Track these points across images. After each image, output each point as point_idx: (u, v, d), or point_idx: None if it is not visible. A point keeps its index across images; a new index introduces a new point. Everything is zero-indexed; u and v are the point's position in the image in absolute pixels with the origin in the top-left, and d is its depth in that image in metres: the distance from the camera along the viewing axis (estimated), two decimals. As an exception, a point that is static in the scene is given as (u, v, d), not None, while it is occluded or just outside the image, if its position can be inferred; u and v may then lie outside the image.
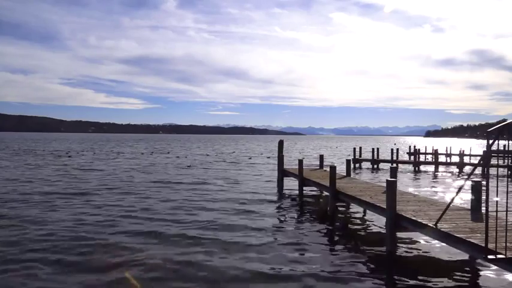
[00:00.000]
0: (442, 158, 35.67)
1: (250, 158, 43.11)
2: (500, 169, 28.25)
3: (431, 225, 7.18)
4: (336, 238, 10.03)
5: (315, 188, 16.21)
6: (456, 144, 67.22)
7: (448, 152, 36.74)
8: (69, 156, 42.16)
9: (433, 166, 31.58)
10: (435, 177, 25.72)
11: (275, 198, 16.32)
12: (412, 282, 6.96)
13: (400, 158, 35.71)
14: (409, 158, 40.45)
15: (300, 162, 16.74)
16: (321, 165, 20.40)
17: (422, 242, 9.23)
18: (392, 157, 32.64)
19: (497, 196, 5.12)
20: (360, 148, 35.91)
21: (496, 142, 5.60)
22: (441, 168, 31.58)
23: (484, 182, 7.56)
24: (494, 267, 6.09)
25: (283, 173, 19.69)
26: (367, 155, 36.75)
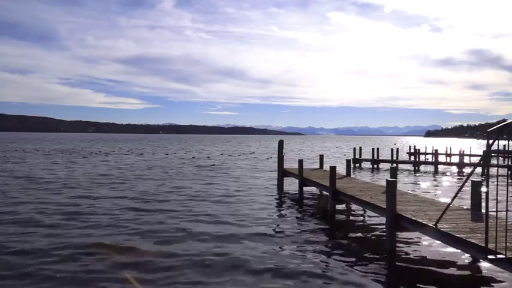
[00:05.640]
0: (442, 158, 35.66)
1: (268, 159, 41.58)
2: (500, 169, 28.24)
3: (431, 225, 7.18)
4: (336, 238, 10.03)
5: (315, 188, 16.21)
6: (456, 144, 67.26)
7: (448, 152, 36.74)
8: (85, 157, 42.15)
9: (433, 166, 31.57)
10: (435, 177, 25.72)
11: (275, 198, 16.33)
12: (412, 282, 6.96)
13: (400, 158, 35.72)
14: (409, 158, 40.45)
15: (300, 162, 16.74)
16: (321, 165, 20.41)
17: (422, 242, 9.23)
18: (392, 157, 32.64)
19: (497, 196, 5.12)
20: (360, 148, 35.93)
21: (496, 142, 5.60)
22: (441, 168, 31.59)
23: (484, 182, 7.56)
24: (494, 267, 6.08)
25: (283, 173, 19.69)
26: (367, 155, 36.75)
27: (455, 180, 23.95)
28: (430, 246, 8.90)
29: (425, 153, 42.03)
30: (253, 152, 57.47)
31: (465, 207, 9.21)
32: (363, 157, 35.08)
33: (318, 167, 20.52)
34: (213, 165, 33.11)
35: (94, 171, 26.23)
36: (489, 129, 5.41)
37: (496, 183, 5.20)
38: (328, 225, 11.33)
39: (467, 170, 29.30)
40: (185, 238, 9.67)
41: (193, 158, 43.15)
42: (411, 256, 8.39)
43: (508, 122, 5.07)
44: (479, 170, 26.96)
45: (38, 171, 26.00)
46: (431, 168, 31.75)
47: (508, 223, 6.09)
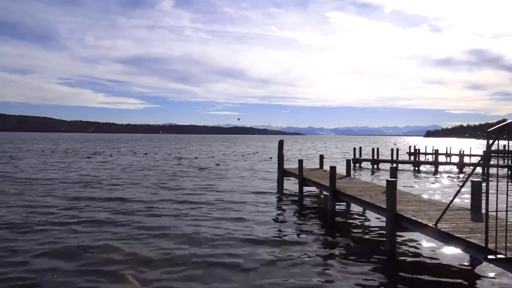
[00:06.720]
0: (442, 158, 35.65)
1: (270, 159, 41.80)
2: (500, 169, 28.25)
3: (431, 225, 7.18)
4: (336, 238, 10.02)
5: (315, 188, 16.21)
6: (456, 144, 67.27)
7: (448, 152, 36.74)
8: (89, 157, 42.09)
9: (433, 166, 31.57)
10: (435, 177, 25.72)
11: (275, 198, 16.33)
12: (412, 282, 6.96)
13: (400, 158, 35.71)
14: (409, 158, 40.43)
15: (300, 162, 16.74)
16: (321, 165, 20.41)
17: (422, 242, 9.23)
18: (392, 157, 32.64)
19: (497, 196, 5.12)
20: (360, 148, 35.91)
21: (496, 142, 5.60)
22: (441, 168, 31.58)
23: (484, 182, 7.56)
24: (494, 267, 6.08)
25: (283, 173, 19.69)
26: (367, 155, 36.75)
27: (455, 180, 23.95)
28: (430, 246, 8.90)
29: (426, 153, 42.04)
30: (256, 152, 57.40)
31: (465, 207, 9.21)
32: (363, 157, 35.05)
33: (318, 167, 20.52)
34: (218, 165, 33.09)
35: (97, 172, 26.24)
36: (489, 129, 5.41)
37: (496, 183, 5.20)
38: (328, 225, 11.33)
39: (467, 170, 29.30)
40: (184, 238, 9.67)
41: (196, 158, 43.17)
42: (411, 256, 8.39)
43: (508, 122, 5.07)
44: (479, 170, 26.95)
45: (44, 172, 26.01)
46: (431, 168, 31.75)
47: (508, 223, 6.09)
